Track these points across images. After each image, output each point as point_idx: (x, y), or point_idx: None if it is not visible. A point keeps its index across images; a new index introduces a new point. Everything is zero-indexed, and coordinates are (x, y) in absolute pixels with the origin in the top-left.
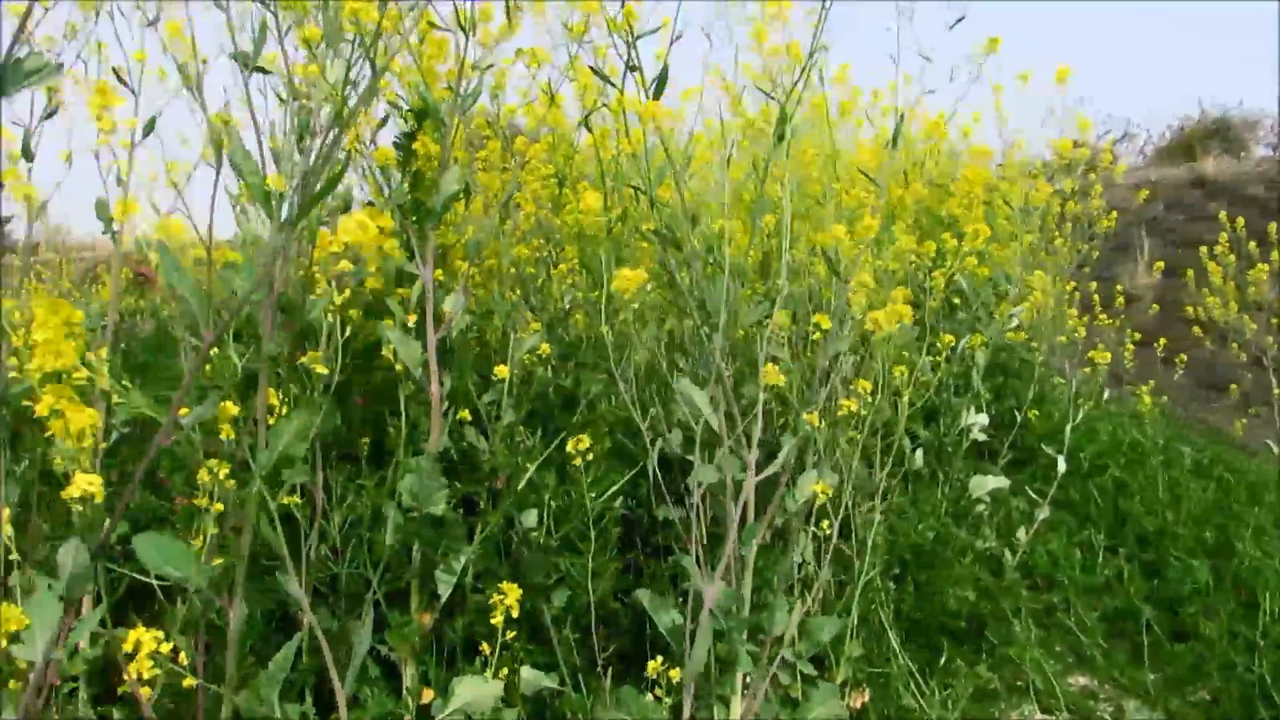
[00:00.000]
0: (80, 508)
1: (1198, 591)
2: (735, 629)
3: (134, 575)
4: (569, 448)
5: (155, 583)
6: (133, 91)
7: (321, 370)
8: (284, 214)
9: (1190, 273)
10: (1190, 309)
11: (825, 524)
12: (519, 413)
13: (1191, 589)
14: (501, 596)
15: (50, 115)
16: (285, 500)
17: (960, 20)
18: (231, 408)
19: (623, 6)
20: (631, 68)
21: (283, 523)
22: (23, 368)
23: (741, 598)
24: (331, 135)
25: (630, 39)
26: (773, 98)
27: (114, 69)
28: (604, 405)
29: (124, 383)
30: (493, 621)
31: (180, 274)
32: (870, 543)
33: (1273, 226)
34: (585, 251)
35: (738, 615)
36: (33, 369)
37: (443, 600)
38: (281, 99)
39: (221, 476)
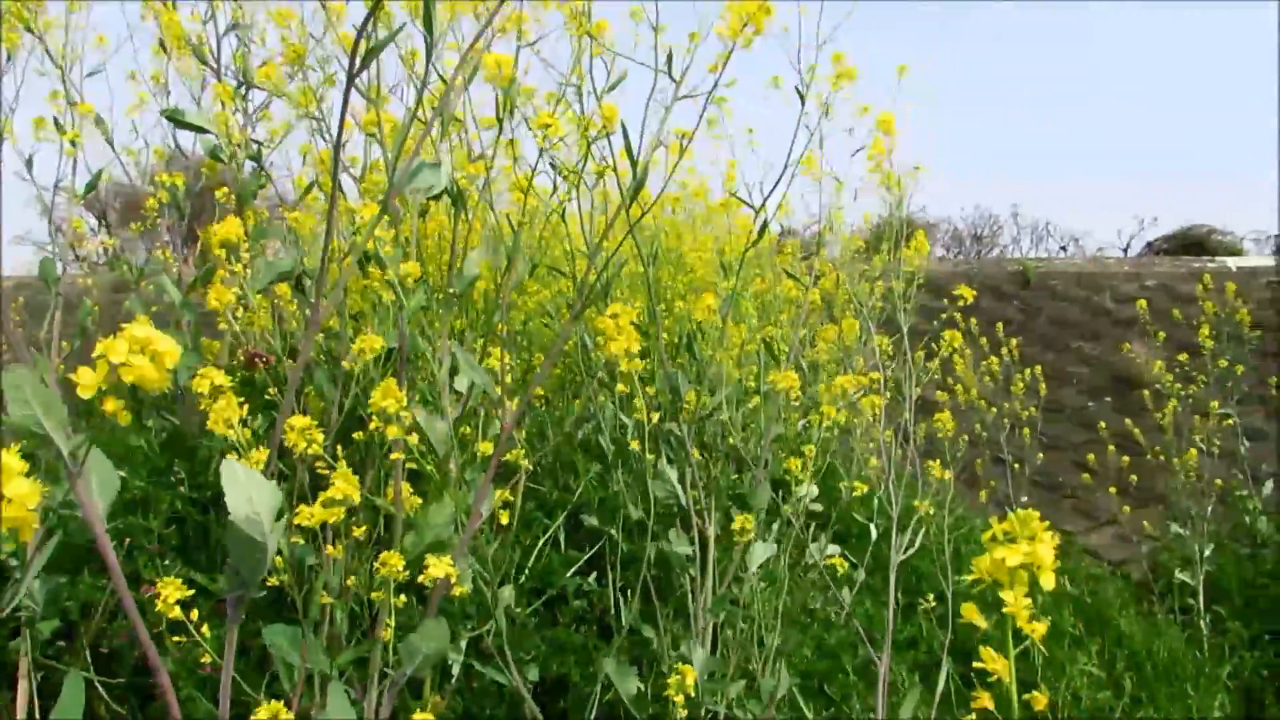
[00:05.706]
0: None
1: (984, 642)
2: (710, 692)
3: None
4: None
5: None
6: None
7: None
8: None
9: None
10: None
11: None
12: None
13: (979, 640)
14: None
15: None
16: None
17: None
18: None
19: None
20: (602, 171)
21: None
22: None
23: (714, 662)
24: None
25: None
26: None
27: None
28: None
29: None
30: None
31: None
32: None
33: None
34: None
35: (716, 679)
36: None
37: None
38: (222, 159)
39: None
